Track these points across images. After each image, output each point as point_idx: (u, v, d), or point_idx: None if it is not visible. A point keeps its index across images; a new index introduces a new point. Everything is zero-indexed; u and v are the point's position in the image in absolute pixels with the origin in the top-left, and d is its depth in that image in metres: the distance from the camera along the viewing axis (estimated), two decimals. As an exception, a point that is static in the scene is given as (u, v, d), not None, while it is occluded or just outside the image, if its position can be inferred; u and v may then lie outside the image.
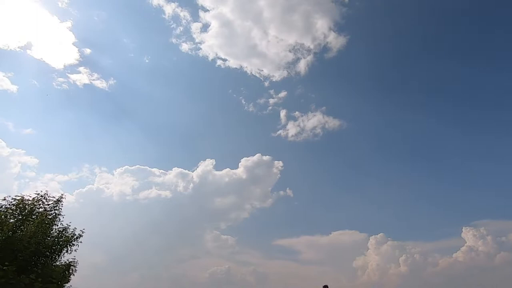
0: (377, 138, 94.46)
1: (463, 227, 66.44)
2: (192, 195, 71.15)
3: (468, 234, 64.45)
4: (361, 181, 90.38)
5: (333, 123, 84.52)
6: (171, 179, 71.20)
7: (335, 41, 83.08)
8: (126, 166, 70.87)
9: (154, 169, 71.40)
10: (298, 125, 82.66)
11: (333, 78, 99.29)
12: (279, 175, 77.45)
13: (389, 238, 67.50)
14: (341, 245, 72.01)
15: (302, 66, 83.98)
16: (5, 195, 17.81)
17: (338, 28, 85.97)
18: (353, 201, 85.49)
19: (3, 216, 17.06)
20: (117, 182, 68.17)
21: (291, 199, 79.74)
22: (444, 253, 70.97)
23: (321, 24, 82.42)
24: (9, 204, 17.50)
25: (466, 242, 63.95)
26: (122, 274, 58.18)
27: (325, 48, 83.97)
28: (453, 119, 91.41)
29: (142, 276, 59.70)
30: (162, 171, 71.36)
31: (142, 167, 71.14)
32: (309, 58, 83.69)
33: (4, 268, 14.33)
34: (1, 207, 17.57)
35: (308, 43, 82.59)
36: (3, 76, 64.06)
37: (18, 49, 67.44)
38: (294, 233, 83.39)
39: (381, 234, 67.77)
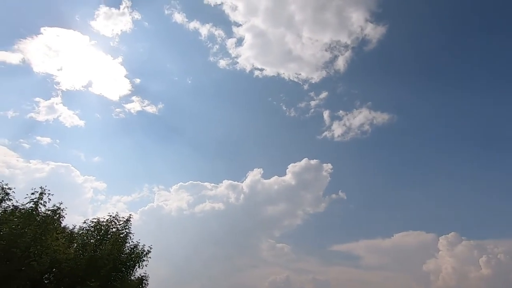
0: (434, 129, 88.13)
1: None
2: (243, 205, 72.80)
3: None
4: (422, 176, 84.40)
5: (381, 117, 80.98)
6: (223, 192, 73.68)
7: (374, 32, 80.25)
8: (180, 183, 75.08)
9: (206, 183, 74.55)
10: (344, 124, 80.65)
11: (375, 71, 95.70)
12: (329, 178, 75.94)
13: (463, 238, 61.61)
14: (406, 247, 67.31)
15: (340, 63, 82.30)
16: (85, 219, 20.36)
17: (375, 17, 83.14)
18: (414, 199, 79.99)
19: (85, 238, 19.42)
20: (174, 198, 72.40)
21: (345, 202, 77.56)
22: (537, 252, 62.39)
23: (356, 17, 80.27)
24: (88, 227, 19.85)
25: None
26: (185, 284, 61.10)
27: (363, 41, 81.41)
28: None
29: (203, 285, 62.13)
30: (214, 184, 74.23)
31: (195, 182, 74.73)
32: (347, 54, 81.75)
33: (90, 284, 16.29)
34: (83, 229, 20.02)
35: (345, 39, 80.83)
36: (73, 114, 73.31)
37: (82, 88, 76.86)
38: (352, 238, 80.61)
39: (452, 233, 62.10)
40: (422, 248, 65.87)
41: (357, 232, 79.99)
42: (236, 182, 75.28)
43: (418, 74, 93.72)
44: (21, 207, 17.06)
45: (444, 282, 57.92)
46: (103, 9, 79.09)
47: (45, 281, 17.44)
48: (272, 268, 69.62)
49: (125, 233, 20.62)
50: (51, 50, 70.41)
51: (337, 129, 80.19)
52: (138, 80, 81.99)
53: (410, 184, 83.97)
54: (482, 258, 57.86)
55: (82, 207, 65.47)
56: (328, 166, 75.54)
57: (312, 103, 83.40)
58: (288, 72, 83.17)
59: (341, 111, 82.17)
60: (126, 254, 20.16)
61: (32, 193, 17.20)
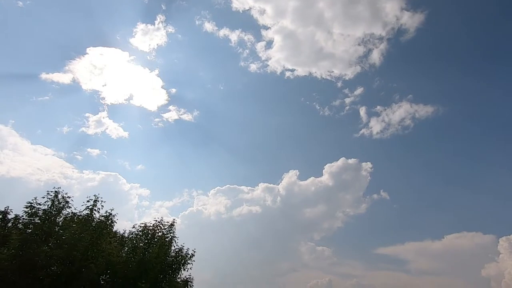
0: (485, 119, 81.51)
1: None
2: (281, 208, 72.67)
3: None
4: (474, 171, 78.02)
5: (424, 110, 76.75)
6: (259, 195, 74.17)
7: (411, 20, 76.51)
8: (218, 187, 76.65)
9: (242, 187, 75.56)
10: (383, 120, 77.58)
11: (415, 62, 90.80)
12: (369, 178, 73.35)
13: (528, 239, 56.03)
14: (460, 250, 62.42)
15: (375, 56, 79.47)
16: (132, 224, 21.76)
17: (412, 5, 78.98)
18: (466, 197, 74.34)
19: (134, 241, 20.72)
20: (212, 203, 74.24)
21: (388, 202, 74.31)
22: None
23: (391, 7, 77.21)
24: (137, 231, 21.15)
25: None
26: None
27: (399, 31, 77.94)
28: None
29: (246, 289, 62.60)
30: (250, 187, 75.06)
31: (232, 186, 75.98)
32: (382, 46, 78.78)
33: (141, 285, 17.36)
34: (132, 234, 21.38)
35: (379, 31, 78.00)
36: (118, 126, 78.76)
37: (124, 102, 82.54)
38: (397, 240, 76.77)
39: (515, 234, 56.77)
40: (479, 251, 60.75)
41: (402, 234, 75.67)
42: (272, 185, 75.50)
43: (462, 60, 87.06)
44: (78, 213, 18.69)
45: (508, 289, 52.61)
46: (140, 26, 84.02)
47: (102, 282, 18.86)
48: (313, 272, 68.53)
49: (170, 237, 21.67)
50: (96, 68, 76.90)
51: (376, 126, 77.29)
52: (174, 90, 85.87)
53: (460, 181, 77.93)
54: (553, 261, 51.59)
55: (129, 212, 69.59)
56: (367, 165, 73.01)
57: (347, 100, 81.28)
58: (320, 70, 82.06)
59: (378, 107, 79.08)
60: (171, 257, 21.19)
61: (88, 201, 18.81)
